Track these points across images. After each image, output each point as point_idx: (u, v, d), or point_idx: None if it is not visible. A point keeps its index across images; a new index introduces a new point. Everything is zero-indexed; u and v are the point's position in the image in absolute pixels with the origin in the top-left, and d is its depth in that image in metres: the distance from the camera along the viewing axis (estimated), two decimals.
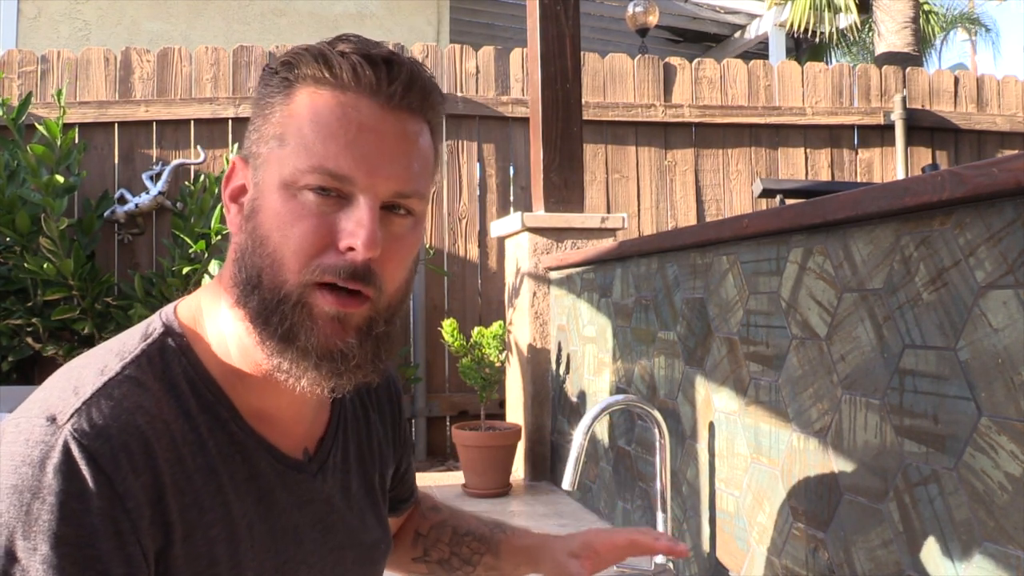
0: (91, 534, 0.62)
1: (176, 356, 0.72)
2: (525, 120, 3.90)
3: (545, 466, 2.99)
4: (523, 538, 1.07)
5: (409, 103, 0.71)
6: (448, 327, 2.99)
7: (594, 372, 2.48)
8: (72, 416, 0.64)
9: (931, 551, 1.07)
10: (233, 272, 0.72)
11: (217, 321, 0.74)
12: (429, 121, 0.75)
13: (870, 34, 8.52)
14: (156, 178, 3.66)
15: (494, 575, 1.06)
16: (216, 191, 3.44)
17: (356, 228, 0.68)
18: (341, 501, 0.83)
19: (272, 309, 0.69)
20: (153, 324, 0.74)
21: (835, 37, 8.11)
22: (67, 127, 3.39)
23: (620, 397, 1.51)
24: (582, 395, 2.61)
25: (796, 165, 4.40)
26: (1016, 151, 3.90)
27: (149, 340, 0.72)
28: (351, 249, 0.68)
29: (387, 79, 0.70)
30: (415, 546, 1.08)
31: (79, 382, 0.67)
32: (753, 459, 1.53)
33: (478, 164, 4.04)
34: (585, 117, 3.60)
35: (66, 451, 0.62)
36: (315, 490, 0.80)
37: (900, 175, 4.44)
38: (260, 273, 0.69)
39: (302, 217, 0.68)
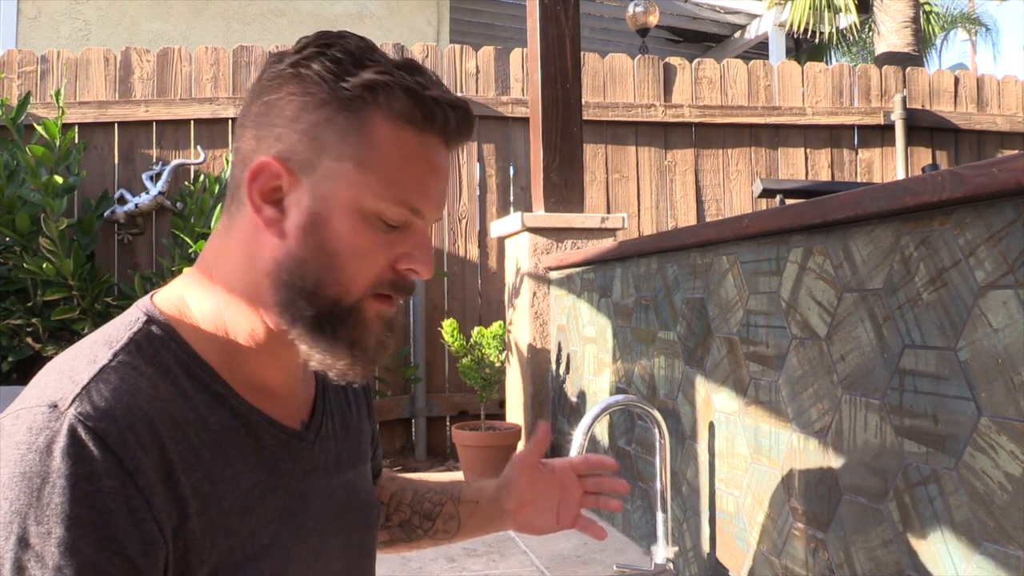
0: (105, 513, 0.62)
1: (163, 341, 0.73)
2: (525, 120, 3.90)
3: None
4: (481, 482, 1.12)
5: (463, 143, 0.80)
6: (448, 327, 2.99)
7: (594, 372, 2.48)
8: (74, 401, 0.65)
9: (931, 551, 1.07)
10: (275, 274, 0.74)
11: (208, 307, 0.76)
12: None
13: (870, 34, 8.52)
14: (156, 178, 3.66)
15: (446, 537, 1.09)
16: (216, 191, 3.44)
17: (419, 254, 0.76)
18: (337, 467, 0.86)
19: (328, 317, 0.74)
20: (133, 315, 0.75)
21: (835, 37, 8.11)
22: (67, 127, 3.38)
23: (620, 397, 1.52)
24: (582, 395, 2.61)
25: (796, 165, 4.40)
26: (1016, 151, 3.90)
27: (134, 329, 0.73)
28: (411, 271, 0.76)
29: (458, 126, 0.76)
30: None
31: (73, 372, 0.68)
32: (753, 459, 1.53)
33: (478, 164, 4.04)
34: (585, 117, 3.60)
35: (72, 434, 0.63)
36: (315, 457, 0.82)
37: (900, 175, 4.44)
38: (321, 283, 0.73)
39: (376, 244, 0.74)
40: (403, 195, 0.73)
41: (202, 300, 0.76)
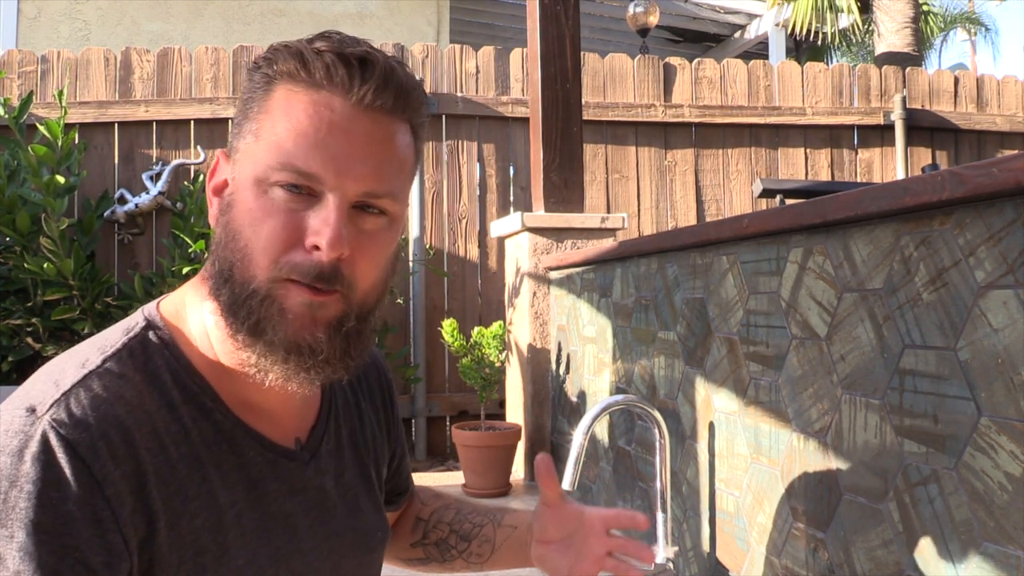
0: (68, 522, 0.61)
1: (158, 349, 0.72)
2: (525, 120, 3.90)
3: None
4: (523, 511, 1.06)
5: (383, 103, 0.70)
6: (448, 327, 2.99)
7: (594, 372, 2.48)
8: (51, 406, 0.64)
9: (931, 551, 1.07)
10: (208, 264, 0.73)
11: (199, 314, 0.75)
12: (409, 121, 0.74)
13: (870, 35, 8.52)
14: (156, 178, 3.66)
15: (479, 560, 1.03)
16: None
17: (322, 227, 0.68)
18: (335, 488, 0.83)
19: (241, 303, 0.69)
20: (135, 319, 0.74)
21: (836, 37, 8.11)
22: (67, 127, 3.38)
23: (620, 397, 1.51)
24: (582, 395, 2.61)
25: (796, 165, 4.40)
26: (1016, 151, 3.90)
27: (131, 334, 0.72)
28: (316, 248, 0.68)
29: (360, 79, 0.69)
30: (415, 531, 1.07)
31: (60, 375, 0.67)
32: (753, 459, 1.53)
33: (478, 164, 4.04)
34: (585, 117, 3.60)
35: (44, 440, 0.62)
36: (308, 478, 0.79)
37: (900, 175, 4.44)
38: (232, 267, 0.70)
39: (271, 214, 0.68)
40: (286, 156, 0.68)
41: (195, 312, 0.75)
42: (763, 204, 4.19)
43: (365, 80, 0.69)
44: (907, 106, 4.46)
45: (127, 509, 0.64)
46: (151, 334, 0.73)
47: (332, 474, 0.83)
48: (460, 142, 4.02)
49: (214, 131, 3.80)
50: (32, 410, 0.64)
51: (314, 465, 0.81)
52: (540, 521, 0.97)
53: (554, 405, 2.92)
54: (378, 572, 0.92)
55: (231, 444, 0.73)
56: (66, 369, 0.68)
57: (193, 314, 0.75)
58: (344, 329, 0.71)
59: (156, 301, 0.77)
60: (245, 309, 0.69)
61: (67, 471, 0.62)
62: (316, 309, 0.69)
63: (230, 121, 3.78)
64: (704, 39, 8.24)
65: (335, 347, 0.71)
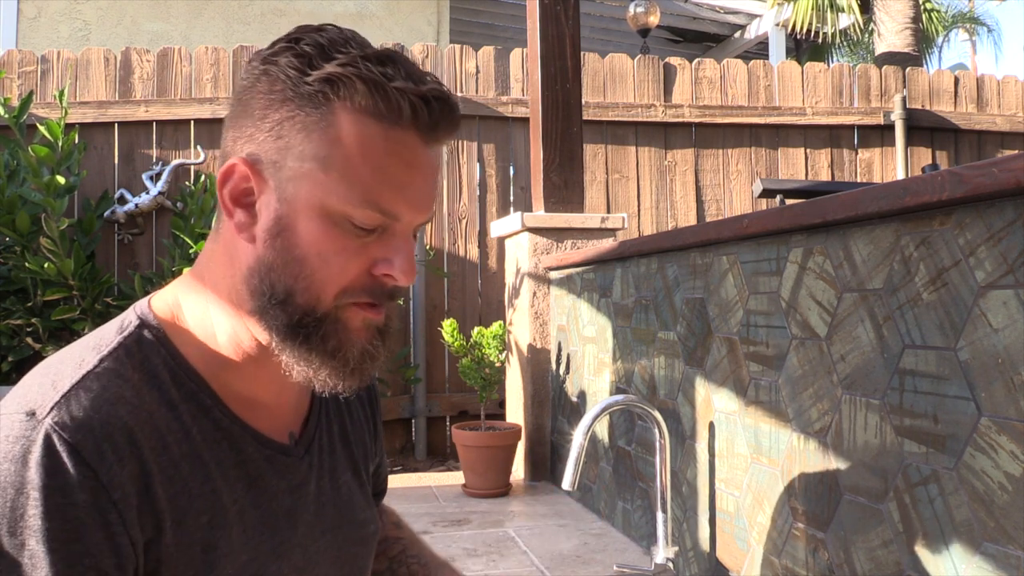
0: (78, 528, 0.61)
1: (154, 347, 0.72)
2: (525, 120, 3.90)
3: (545, 466, 2.99)
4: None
5: (446, 141, 0.74)
6: (448, 327, 2.99)
7: (594, 372, 2.48)
8: (52, 409, 0.63)
9: (931, 551, 1.07)
10: (247, 279, 0.72)
11: (199, 313, 0.74)
12: None
13: (870, 35, 8.52)
14: (156, 178, 3.66)
15: None
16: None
17: (397, 259, 0.71)
18: (329, 483, 0.84)
19: (303, 324, 0.70)
20: (128, 318, 0.74)
21: (836, 37, 8.11)
22: (67, 127, 3.38)
23: (620, 397, 1.51)
24: (582, 395, 2.61)
25: (796, 165, 4.39)
26: (1016, 151, 3.90)
27: (125, 333, 0.72)
28: (389, 276, 0.71)
29: (435, 119, 0.70)
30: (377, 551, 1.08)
31: (57, 376, 0.67)
32: (753, 459, 1.53)
33: (478, 164, 4.04)
34: (585, 117, 3.60)
35: (47, 445, 0.62)
36: (303, 472, 0.80)
37: (900, 175, 4.44)
38: (291, 291, 0.70)
39: (346, 248, 0.70)
40: (369, 195, 0.68)
41: (194, 305, 0.75)
42: (763, 204, 4.19)
43: (441, 120, 0.70)
44: (907, 106, 4.46)
45: (133, 511, 0.64)
46: (146, 332, 0.72)
47: (327, 468, 0.84)
48: (460, 142, 4.02)
49: (214, 131, 3.79)
50: (32, 414, 0.63)
51: (308, 460, 0.81)
52: None
53: (554, 405, 2.92)
54: (370, 563, 0.92)
55: (230, 442, 0.73)
56: (62, 370, 0.67)
57: (190, 312, 0.75)
58: (389, 331, 0.75)
59: (146, 299, 0.77)
60: (318, 333, 0.71)
61: (73, 476, 0.61)
62: (371, 323, 0.73)
63: None
64: (704, 39, 8.24)
65: (384, 349, 0.75)
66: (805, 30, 7.17)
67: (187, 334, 0.74)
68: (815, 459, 1.33)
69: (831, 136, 4.44)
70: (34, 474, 0.61)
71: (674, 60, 4.35)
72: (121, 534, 0.63)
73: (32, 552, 0.60)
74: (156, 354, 0.71)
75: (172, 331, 0.74)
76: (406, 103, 0.68)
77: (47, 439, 0.62)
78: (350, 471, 0.89)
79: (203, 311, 0.74)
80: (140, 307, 0.75)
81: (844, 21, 7.57)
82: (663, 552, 1.50)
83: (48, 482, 0.61)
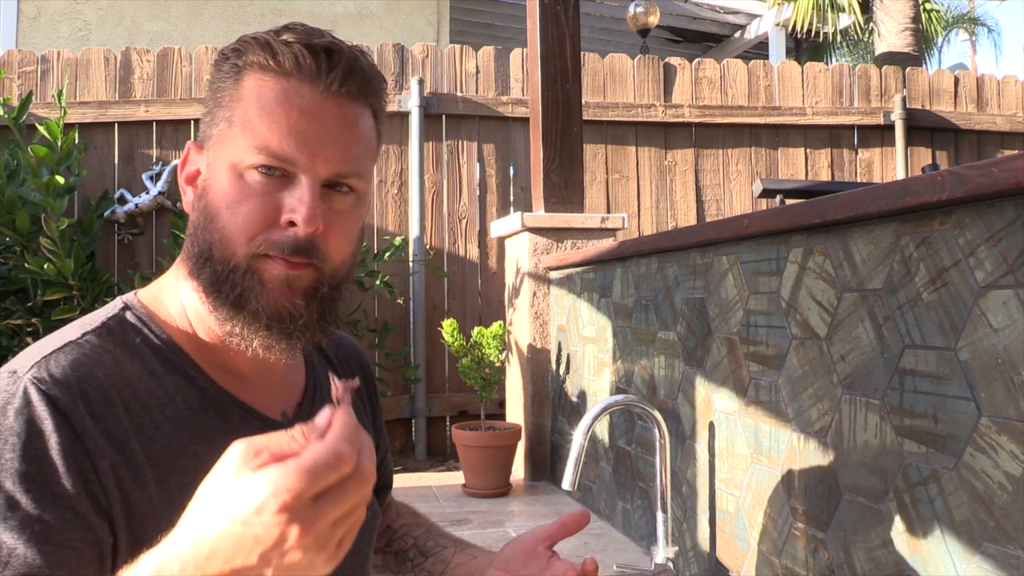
0: (54, 471, 0.64)
1: (134, 328, 0.76)
2: (525, 120, 3.90)
3: (545, 466, 2.98)
4: (489, 551, 1.03)
5: (348, 90, 0.76)
6: (448, 327, 2.99)
7: (594, 372, 2.48)
8: (32, 367, 0.68)
9: (931, 551, 1.07)
10: (187, 247, 0.78)
11: (176, 295, 0.80)
12: (371, 106, 0.80)
13: (870, 35, 8.52)
14: (156, 178, 3.66)
15: None
16: None
17: (298, 205, 0.73)
18: None
19: (223, 279, 0.73)
20: (115, 304, 0.79)
21: (837, 37, 8.11)
22: (67, 127, 3.38)
23: (620, 397, 1.51)
24: (582, 395, 2.61)
25: (796, 165, 4.39)
26: (1016, 151, 3.90)
27: (110, 315, 0.76)
28: (292, 224, 0.73)
29: (327, 67, 0.74)
30: (380, 536, 1.08)
31: (42, 346, 0.72)
32: (753, 459, 1.53)
33: (478, 164, 4.04)
34: (585, 117, 3.60)
35: (25, 396, 0.66)
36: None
37: (900, 175, 4.44)
38: (211, 247, 0.74)
39: (248, 195, 0.73)
40: (260, 140, 0.73)
41: (172, 296, 0.80)
42: (763, 204, 4.19)
43: (331, 68, 0.74)
44: (907, 106, 4.46)
45: (107, 461, 0.67)
46: (128, 314, 0.77)
47: None
48: (460, 142, 4.02)
49: None
50: (13, 372, 0.68)
51: None
52: (512, 548, 0.96)
53: (554, 405, 2.92)
54: (370, 551, 0.93)
55: (217, 410, 0.76)
56: (49, 342, 0.72)
57: (170, 296, 0.80)
58: (319, 295, 0.76)
59: (134, 291, 0.82)
60: (228, 284, 0.73)
61: (48, 423, 0.65)
62: (292, 280, 0.74)
63: None
64: (704, 39, 8.24)
65: (312, 312, 0.76)
66: (805, 30, 7.17)
67: (169, 317, 0.79)
68: (815, 459, 1.33)
69: (831, 136, 4.44)
70: (12, 421, 0.65)
71: (674, 60, 4.35)
72: (93, 481, 0.66)
73: (8, 493, 0.62)
74: (138, 333, 0.76)
75: (154, 314, 0.78)
76: (289, 53, 0.74)
77: (25, 391, 0.66)
78: None
79: (179, 299, 0.79)
80: (126, 295, 0.81)
81: (844, 21, 7.57)
82: (663, 552, 1.49)
83: (25, 428, 0.65)
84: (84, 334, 0.73)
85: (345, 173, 0.76)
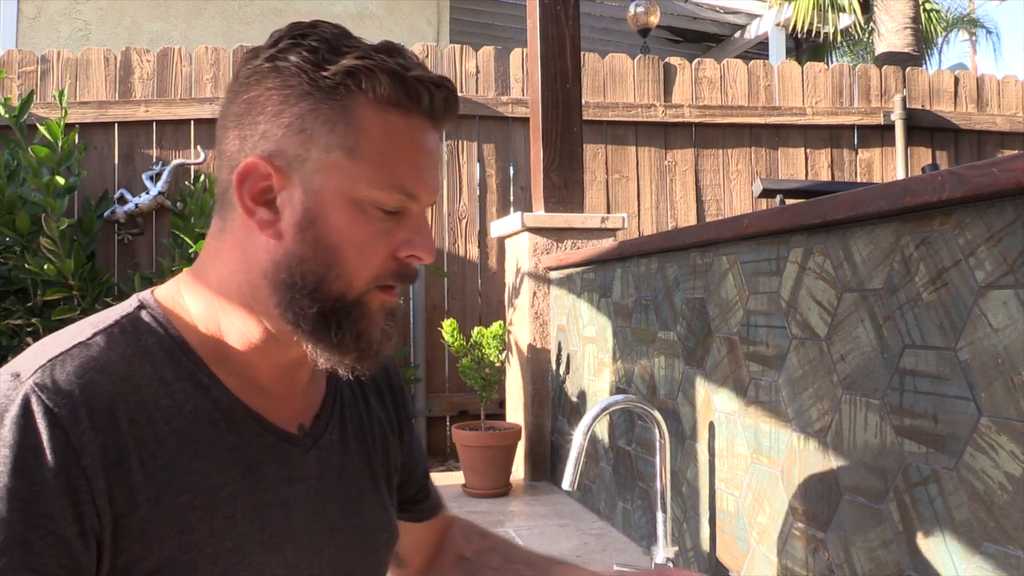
0: (43, 490, 0.61)
1: (150, 328, 0.72)
2: (525, 120, 3.90)
3: (545, 466, 2.99)
4: (578, 571, 0.98)
5: (451, 122, 0.77)
6: (448, 327, 2.98)
7: (594, 372, 2.48)
8: (35, 372, 0.64)
9: (931, 551, 1.07)
10: (273, 274, 0.72)
11: (203, 306, 0.75)
12: None
13: (871, 35, 8.52)
14: (156, 178, 3.66)
15: None
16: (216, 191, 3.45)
17: (420, 240, 0.74)
18: (338, 481, 0.82)
19: (333, 311, 0.72)
20: (130, 301, 0.75)
21: (837, 37, 8.11)
22: (67, 127, 3.38)
23: (620, 397, 1.51)
24: (582, 395, 2.61)
25: (796, 165, 4.40)
26: (1016, 151, 3.90)
27: (125, 312, 0.73)
28: (413, 257, 0.74)
29: (443, 105, 0.74)
30: (457, 567, 1.03)
31: (50, 345, 0.68)
32: (753, 459, 1.53)
33: (478, 164, 4.04)
34: (585, 117, 3.60)
35: (24, 404, 0.62)
36: (308, 466, 0.78)
37: (900, 175, 4.44)
38: (322, 279, 0.72)
39: (375, 234, 0.72)
40: (396, 179, 0.72)
41: (197, 299, 0.75)
42: (763, 204, 4.19)
43: (447, 106, 0.75)
44: (907, 106, 4.46)
45: (103, 481, 0.64)
46: (143, 313, 0.73)
47: (335, 465, 0.82)
48: (460, 142, 4.02)
49: (214, 131, 3.78)
50: (16, 375, 0.65)
51: (316, 453, 0.79)
52: None
53: (554, 405, 2.92)
54: (382, 574, 0.89)
55: (228, 423, 0.72)
56: (58, 340, 0.69)
57: (192, 301, 0.75)
58: (396, 312, 0.79)
59: (150, 289, 0.77)
60: (340, 316, 0.72)
61: (44, 436, 0.62)
62: (389, 305, 0.76)
63: None
64: (704, 39, 8.24)
65: (394, 331, 0.78)
66: (805, 30, 7.17)
67: (188, 321, 0.74)
68: (815, 459, 1.33)
69: (831, 136, 4.44)
70: (7, 432, 0.62)
71: (674, 60, 4.35)
72: (87, 502, 0.63)
73: None
74: (152, 334, 0.72)
75: (173, 316, 0.74)
76: (424, 91, 0.72)
77: (25, 399, 0.63)
78: (364, 473, 0.86)
79: (207, 305, 0.75)
80: (142, 293, 0.76)
81: (844, 21, 7.57)
82: (663, 552, 1.49)
83: (20, 440, 0.61)
84: (95, 334, 0.69)
85: (434, 201, 0.78)
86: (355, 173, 0.71)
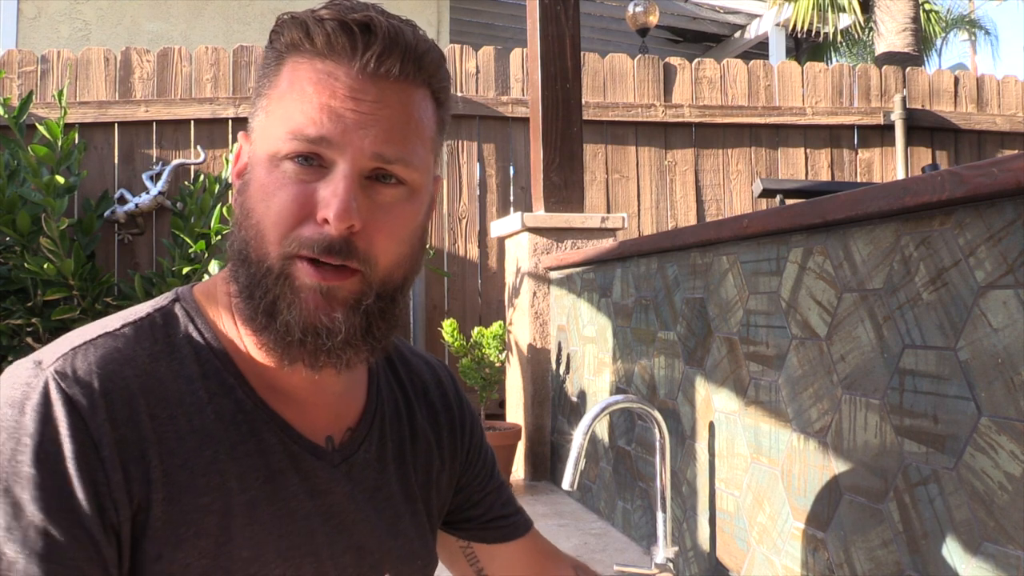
0: (65, 479, 0.60)
1: (183, 322, 0.71)
2: (525, 120, 3.90)
3: (545, 466, 2.99)
4: None
5: (388, 69, 0.67)
6: (448, 327, 2.98)
7: (594, 372, 2.48)
8: (57, 360, 0.63)
9: (931, 551, 1.07)
10: (228, 246, 0.72)
11: (227, 294, 0.73)
12: (427, 85, 0.71)
13: (871, 35, 8.52)
14: (156, 178, 3.66)
15: None
16: (216, 191, 3.45)
17: (330, 197, 0.64)
18: (369, 502, 0.77)
19: (257, 282, 0.67)
20: (167, 295, 0.74)
21: (837, 37, 8.11)
22: (67, 127, 3.38)
23: (620, 397, 1.51)
24: (582, 395, 2.61)
25: (796, 165, 4.40)
26: (1016, 151, 3.90)
27: (158, 306, 0.72)
28: (326, 221, 0.65)
29: (363, 45, 0.66)
30: None
31: (79, 335, 0.67)
32: (753, 459, 1.53)
33: (478, 164, 4.04)
34: (585, 117, 3.60)
35: (45, 393, 0.62)
36: (335, 481, 0.74)
37: (900, 175, 4.44)
38: (247, 245, 0.68)
39: (282, 186, 0.66)
40: (294, 126, 0.65)
41: (224, 290, 0.73)
42: (763, 204, 4.19)
43: (368, 46, 0.66)
44: (907, 106, 4.46)
45: (119, 474, 0.62)
46: (177, 307, 0.72)
47: (369, 486, 0.77)
48: (460, 142, 4.02)
49: (214, 131, 3.79)
50: (39, 363, 0.64)
51: (345, 469, 0.75)
52: None
53: (554, 405, 2.92)
54: None
55: (251, 427, 0.69)
56: (86, 331, 0.68)
57: (222, 295, 0.73)
58: (363, 308, 0.67)
59: (192, 283, 0.77)
60: (261, 288, 0.66)
61: (64, 426, 0.61)
62: (331, 291, 0.66)
63: (230, 121, 3.78)
64: (704, 39, 8.25)
65: (354, 327, 0.67)
66: (805, 30, 7.17)
67: (219, 317, 0.72)
68: (815, 459, 1.33)
69: (831, 136, 4.44)
70: (28, 420, 0.61)
71: (674, 60, 4.35)
72: (105, 494, 0.61)
73: (15, 499, 0.59)
74: (183, 329, 0.70)
75: (208, 311, 0.72)
76: (322, 31, 0.66)
77: (45, 387, 0.62)
78: (401, 496, 0.81)
79: (228, 294, 0.73)
80: (182, 288, 0.75)
81: (844, 21, 7.58)
82: (663, 552, 1.50)
83: (40, 429, 0.61)
84: (123, 325, 0.67)
85: (386, 157, 0.66)
86: (269, 129, 0.68)
